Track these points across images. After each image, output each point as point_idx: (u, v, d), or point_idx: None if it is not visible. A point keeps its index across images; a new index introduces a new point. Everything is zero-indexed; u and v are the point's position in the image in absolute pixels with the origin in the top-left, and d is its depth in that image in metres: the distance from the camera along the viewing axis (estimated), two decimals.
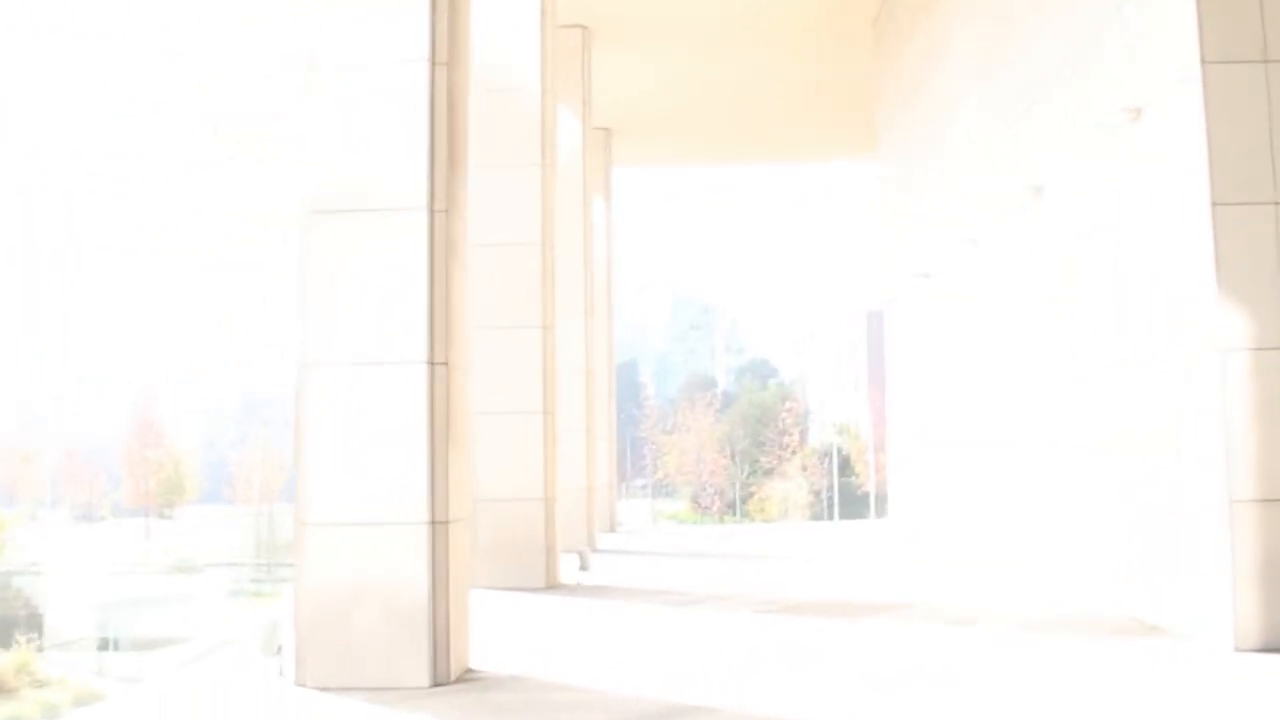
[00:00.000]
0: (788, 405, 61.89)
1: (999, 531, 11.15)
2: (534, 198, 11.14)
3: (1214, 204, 6.08)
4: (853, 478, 54.02)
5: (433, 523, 5.93)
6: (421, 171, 6.07)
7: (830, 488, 53.15)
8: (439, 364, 6.04)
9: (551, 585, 10.70)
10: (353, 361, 6.02)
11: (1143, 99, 7.09)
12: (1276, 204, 6.11)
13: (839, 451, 55.26)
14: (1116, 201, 7.60)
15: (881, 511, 46.59)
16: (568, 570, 11.24)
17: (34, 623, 31.66)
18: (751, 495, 56.30)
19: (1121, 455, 7.71)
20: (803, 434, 61.04)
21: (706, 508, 56.80)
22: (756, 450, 57.83)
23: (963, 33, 11.84)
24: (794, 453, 56.93)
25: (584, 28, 16.45)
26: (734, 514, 56.06)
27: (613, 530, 19.27)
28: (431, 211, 6.08)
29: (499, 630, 8.27)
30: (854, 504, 51.41)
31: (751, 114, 20.75)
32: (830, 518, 49.68)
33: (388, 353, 6.00)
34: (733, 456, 58.24)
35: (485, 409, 10.94)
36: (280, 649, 6.51)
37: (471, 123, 6.67)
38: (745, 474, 57.64)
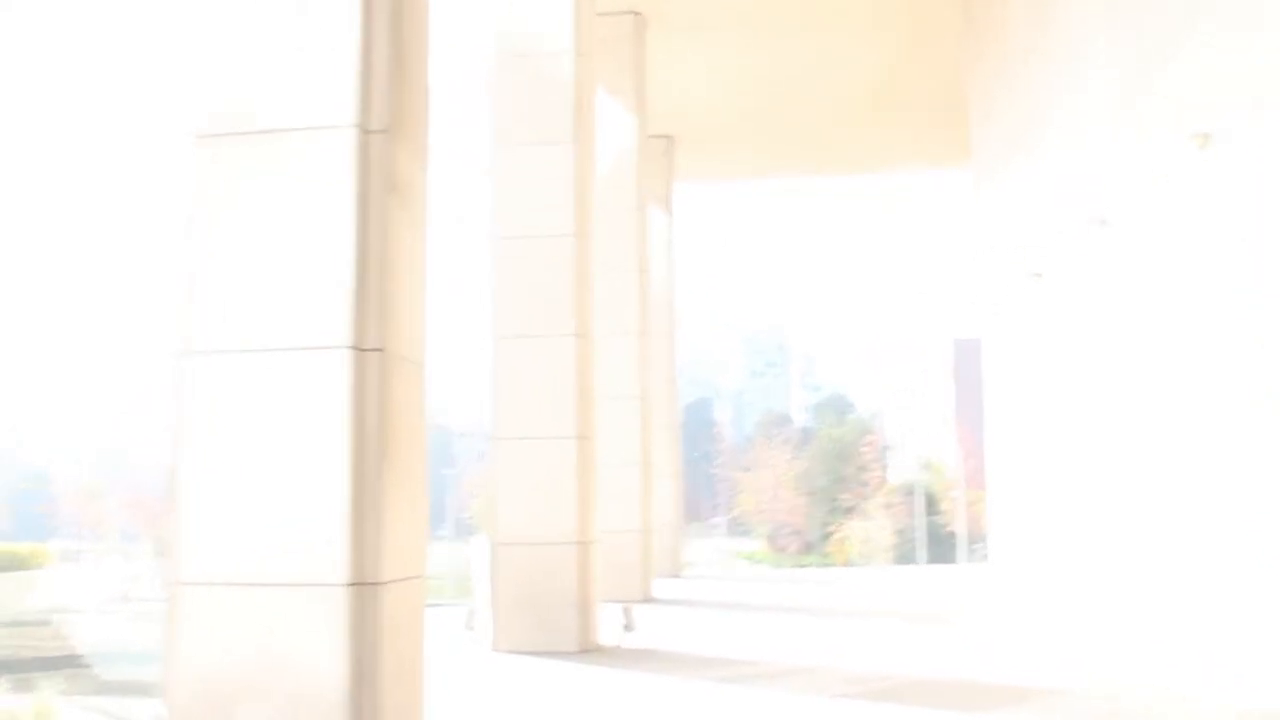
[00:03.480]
0: (867, 440, 59.20)
1: (1140, 586, 8.95)
2: (566, 180, 9.25)
3: None
4: (939, 516, 51.19)
5: (357, 585, 4.00)
6: (348, 74, 4.19)
7: (915, 527, 50.35)
8: (370, 350, 4.12)
9: (586, 648, 8.74)
10: (245, 348, 4.13)
11: None
12: None
13: (924, 489, 52.42)
14: None
15: (972, 555, 43.78)
16: (609, 629, 9.25)
17: (68, 664, 30.24)
18: (831, 535, 53.71)
19: None
20: (884, 470, 58.39)
21: (783, 548, 54.34)
22: (835, 488, 55.21)
23: None
24: (875, 490, 54.26)
25: (636, 14, 14.64)
26: (812, 554, 53.52)
27: (677, 575, 17.25)
28: (364, 131, 4.19)
29: (495, 716, 6.31)
30: (940, 545, 48.57)
31: (827, 118, 18.73)
32: (915, 560, 46.91)
33: (294, 335, 4.11)
34: (811, 494, 55.70)
35: (506, 433, 9.05)
36: None
37: (433, 26, 4.79)
38: (824, 512, 55.08)
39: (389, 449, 4.12)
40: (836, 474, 55.49)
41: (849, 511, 53.75)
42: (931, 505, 51.68)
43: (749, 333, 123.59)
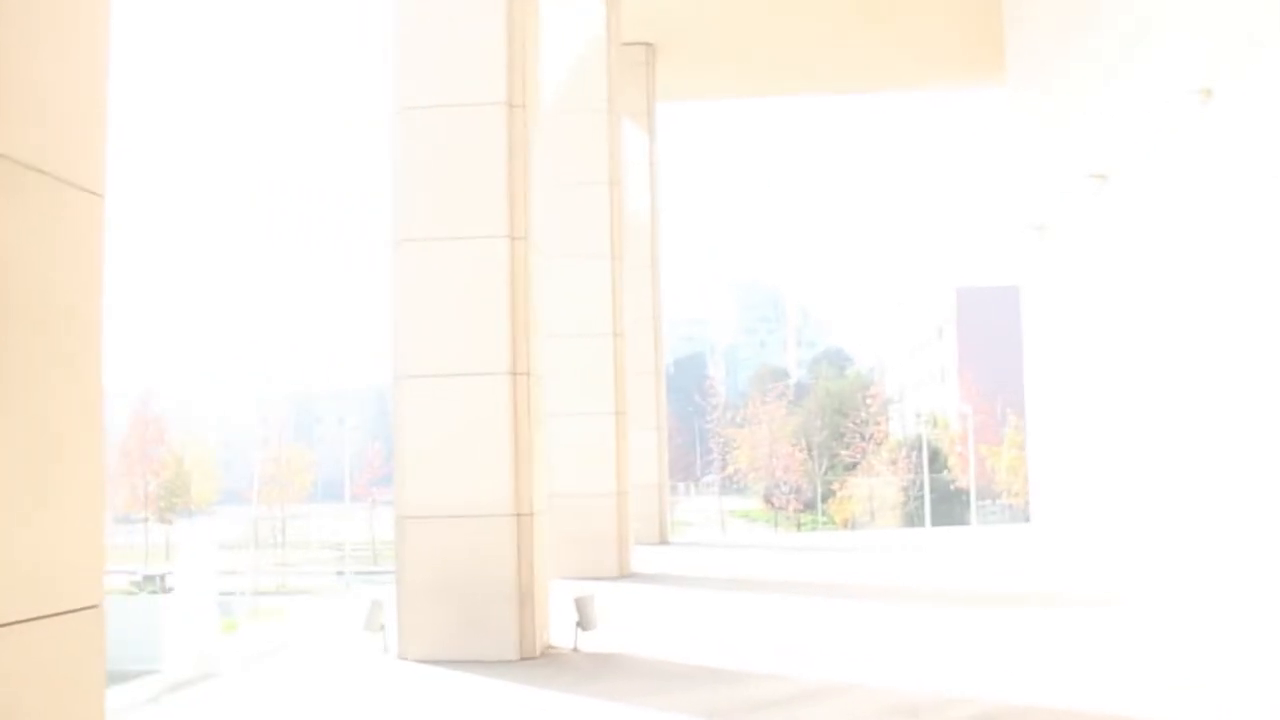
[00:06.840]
0: (871, 391, 56.72)
1: (1251, 558, 6.72)
2: (496, 32, 6.90)
3: None
4: (944, 473, 48.88)
5: None
6: None
7: (919, 484, 48.00)
8: None
9: (529, 655, 6.53)
10: None
11: None
12: None
13: (927, 444, 50.03)
14: None
15: (982, 514, 41.61)
16: (563, 625, 7.01)
17: None
18: (832, 493, 51.37)
19: None
20: (886, 424, 56.01)
21: (781, 507, 52.06)
22: (835, 443, 52.81)
23: None
24: (879, 444, 51.81)
25: None
26: (812, 513, 51.31)
27: (664, 542, 15.00)
28: None
29: None
30: (947, 503, 46.29)
31: (828, 28, 16.03)
32: (922, 520, 44.59)
33: None
34: (809, 450, 53.27)
35: (412, 369, 6.77)
36: None
37: None
38: (824, 469, 52.74)
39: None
40: (835, 428, 53.08)
41: (850, 468, 51.46)
42: (936, 461, 49.45)
43: (742, 287, 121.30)
